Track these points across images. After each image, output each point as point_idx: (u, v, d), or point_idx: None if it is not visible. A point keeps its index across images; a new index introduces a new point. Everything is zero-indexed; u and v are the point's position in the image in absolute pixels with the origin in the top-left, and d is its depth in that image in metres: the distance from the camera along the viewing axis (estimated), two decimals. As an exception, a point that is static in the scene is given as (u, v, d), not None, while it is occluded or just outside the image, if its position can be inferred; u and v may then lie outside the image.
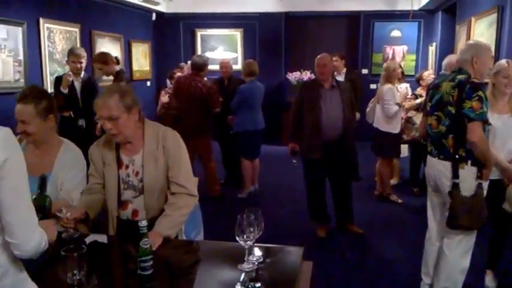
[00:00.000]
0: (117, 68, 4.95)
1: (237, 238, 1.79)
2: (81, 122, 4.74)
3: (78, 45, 6.92)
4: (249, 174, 5.66)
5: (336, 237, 4.44)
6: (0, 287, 1.34)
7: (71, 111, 4.76)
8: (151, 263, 1.76)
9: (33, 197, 1.81)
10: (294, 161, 4.53)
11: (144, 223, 1.79)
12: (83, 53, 4.88)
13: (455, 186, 2.79)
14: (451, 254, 2.95)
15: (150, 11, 9.26)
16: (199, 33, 9.51)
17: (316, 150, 4.22)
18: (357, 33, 9.24)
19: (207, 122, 5.43)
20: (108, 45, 7.86)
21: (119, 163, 2.32)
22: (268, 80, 9.22)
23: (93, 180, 2.38)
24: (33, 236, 1.39)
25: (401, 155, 5.73)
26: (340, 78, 6.07)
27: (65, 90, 4.68)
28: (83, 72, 4.87)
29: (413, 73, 8.55)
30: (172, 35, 9.59)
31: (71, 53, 4.84)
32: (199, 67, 5.26)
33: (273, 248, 2.02)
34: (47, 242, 1.48)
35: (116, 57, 5.09)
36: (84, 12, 7.19)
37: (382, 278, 3.66)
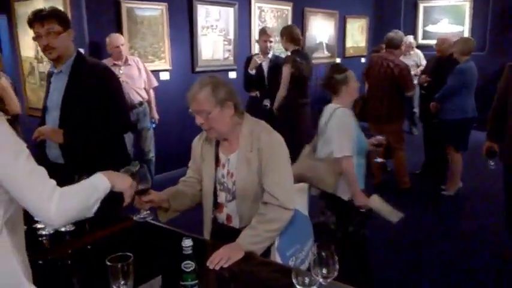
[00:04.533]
0: (295, 47, 4.39)
1: (294, 281, 1.34)
2: (266, 102, 4.47)
3: (290, 22, 6.70)
4: (459, 169, 4.62)
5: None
6: None
7: (257, 92, 4.54)
8: None
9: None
10: (491, 163, 3.32)
11: (188, 242, 1.42)
12: (273, 32, 4.56)
13: None
14: None
15: (372, -16, 8.42)
16: (422, 4, 8.19)
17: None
18: None
19: (398, 107, 4.49)
20: (320, 22, 7.44)
21: (217, 161, 1.98)
22: (499, 58, 7.36)
23: (190, 174, 2.10)
24: (49, 212, 1.21)
25: None
26: None
27: (252, 71, 4.46)
28: (271, 52, 4.56)
29: None
30: (393, 8, 8.53)
31: (263, 32, 4.57)
32: (394, 45, 4.35)
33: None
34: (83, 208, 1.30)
35: (298, 39, 4.50)
36: (298, -11, 6.88)
37: None
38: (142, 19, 4.84)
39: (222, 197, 1.97)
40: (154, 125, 4.70)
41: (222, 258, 1.66)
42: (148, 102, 4.61)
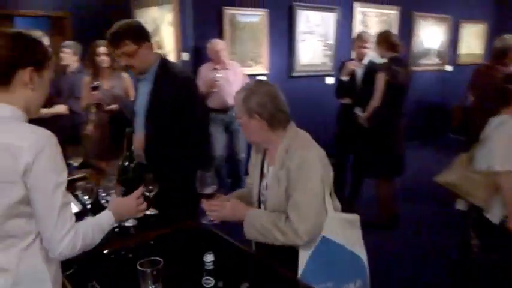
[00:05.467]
0: (393, 54, 4.10)
1: None
2: (357, 110, 4.34)
3: (396, 28, 6.44)
4: None
5: None
6: None
7: (349, 99, 4.45)
8: None
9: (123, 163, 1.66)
10: None
11: (209, 258, 1.39)
12: (369, 37, 4.41)
13: None
14: None
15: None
16: (553, 8, 7.31)
17: None
18: None
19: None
20: (430, 27, 7.03)
21: (262, 170, 1.93)
22: None
23: (248, 180, 2.07)
24: (60, 245, 1.25)
25: None
26: None
27: (345, 78, 4.37)
28: (367, 58, 4.42)
29: None
30: (517, 12, 7.72)
31: (358, 38, 4.45)
32: (499, 53, 3.93)
33: None
34: (84, 242, 1.31)
35: (396, 45, 4.12)
36: (406, -7, 6.58)
37: None
38: (243, 25, 5.04)
39: (263, 208, 1.91)
40: (247, 127, 4.85)
41: (224, 215, 1.79)
42: (243, 105, 4.76)
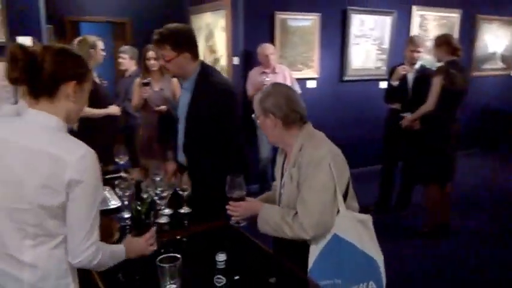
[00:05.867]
0: (452, 58, 3.90)
1: None
2: (407, 116, 4.21)
3: (456, 31, 6.17)
4: None
5: None
6: None
7: (399, 104, 4.32)
8: None
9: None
10: None
11: (221, 257, 1.43)
12: (422, 41, 4.27)
13: None
14: None
15: None
16: None
17: None
18: None
19: None
20: (495, 30, 6.66)
21: (283, 170, 1.96)
22: None
23: (274, 182, 2.09)
24: (82, 254, 1.33)
25: None
26: None
27: (395, 83, 4.25)
28: (419, 63, 4.28)
29: None
30: None
31: (410, 42, 4.31)
32: None
33: None
34: (103, 260, 1.39)
35: (458, 48, 3.98)
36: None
37: None
38: (295, 29, 5.05)
39: (281, 206, 1.94)
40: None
41: (240, 214, 1.86)
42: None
